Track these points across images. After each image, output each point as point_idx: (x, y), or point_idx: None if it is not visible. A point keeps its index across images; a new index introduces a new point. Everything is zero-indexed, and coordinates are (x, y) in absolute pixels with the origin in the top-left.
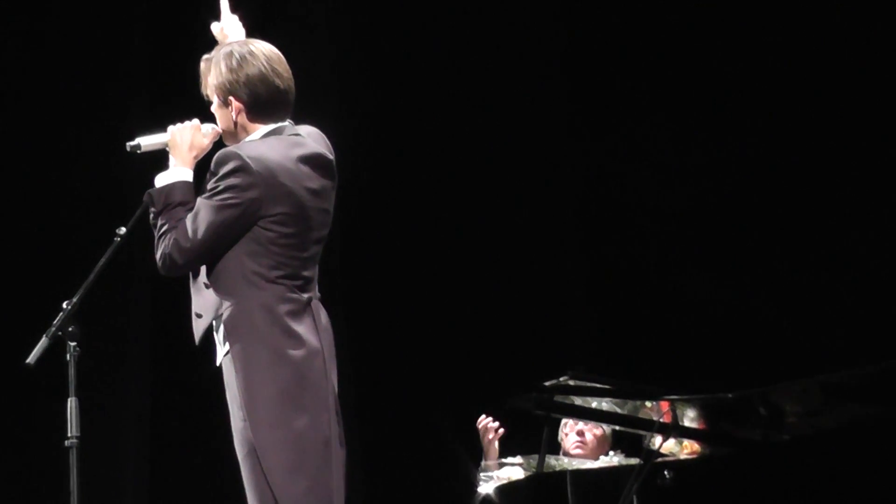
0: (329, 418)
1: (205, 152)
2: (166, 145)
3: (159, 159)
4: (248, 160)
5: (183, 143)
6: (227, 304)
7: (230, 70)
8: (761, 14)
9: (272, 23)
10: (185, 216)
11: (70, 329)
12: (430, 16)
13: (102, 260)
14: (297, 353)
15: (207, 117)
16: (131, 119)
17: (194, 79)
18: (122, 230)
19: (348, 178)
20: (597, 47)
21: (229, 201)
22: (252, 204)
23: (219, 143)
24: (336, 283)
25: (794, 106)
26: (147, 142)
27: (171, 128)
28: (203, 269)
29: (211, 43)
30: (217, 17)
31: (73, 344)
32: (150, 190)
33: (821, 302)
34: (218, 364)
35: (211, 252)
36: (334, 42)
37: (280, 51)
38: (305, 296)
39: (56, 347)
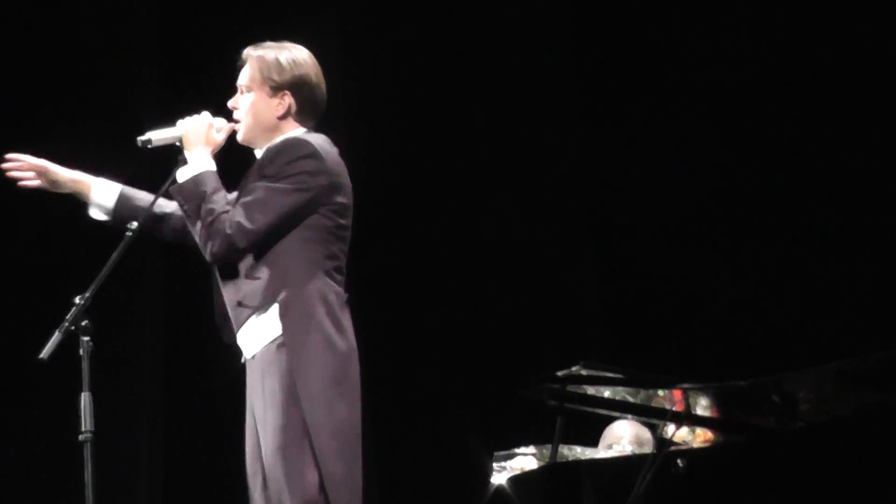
0: (359, 414)
1: (219, 148)
2: (178, 140)
3: (172, 153)
4: (317, 148)
5: (199, 138)
6: (284, 289)
7: (289, 68)
8: (772, 9)
9: (282, 25)
10: (238, 201)
11: (83, 324)
12: (439, 17)
13: (115, 254)
14: (343, 345)
15: (219, 105)
16: (139, 107)
17: (202, 60)
18: (135, 225)
19: (361, 174)
20: (606, 43)
21: (299, 185)
22: (320, 190)
23: (230, 139)
24: (348, 272)
25: (805, 98)
26: (158, 136)
27: (180, 122)
28: (241, 257)
29: (222, 28)
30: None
31: (86, 339)
32: (178, 184)
33: (833, 289)
34: (252, 356)
35: (272, 236)
36: (344, 36)
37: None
38: (345, 293)
39: (69, 342)
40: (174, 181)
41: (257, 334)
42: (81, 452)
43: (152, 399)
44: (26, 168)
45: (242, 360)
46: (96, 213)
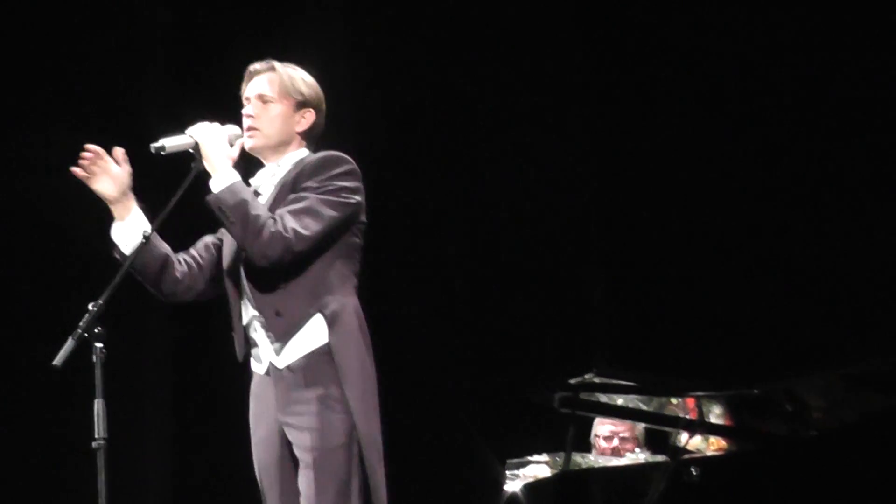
0: None
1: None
2: (190, 148)
3: (180, 160)
4: (356, 166)
5: (221, 150)
6: (329, 300)
7: (314, 88)
8: (775, 10)
9: (284, 25)
10: (279, 208)
11: (96, 330)
12: (443, 18)
13: (128, 261)
14: (371, 357)
15: (222, 105)
16: (144, 109)
17: (207, 60)
18: (147, 231)
19: (363, 176)
20: (612, 44)
21: (344, 200)
22: (357, 207)
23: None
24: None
25: (808, 99)
26: (171, 143)
27: (191, 129)
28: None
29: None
30: None
31: (99, 345)
32: (214, 195)
33: (841, 294)
34: (285, 365)
35: (318, 246)
36: (347, 37)
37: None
38: None
39: (82, 349)
40: (205, 190)
41: (298, 344)
42: (93, 459)
43: (162, 405)
44: (103, 163)
45: (265, 371)
46: (118, 235)
